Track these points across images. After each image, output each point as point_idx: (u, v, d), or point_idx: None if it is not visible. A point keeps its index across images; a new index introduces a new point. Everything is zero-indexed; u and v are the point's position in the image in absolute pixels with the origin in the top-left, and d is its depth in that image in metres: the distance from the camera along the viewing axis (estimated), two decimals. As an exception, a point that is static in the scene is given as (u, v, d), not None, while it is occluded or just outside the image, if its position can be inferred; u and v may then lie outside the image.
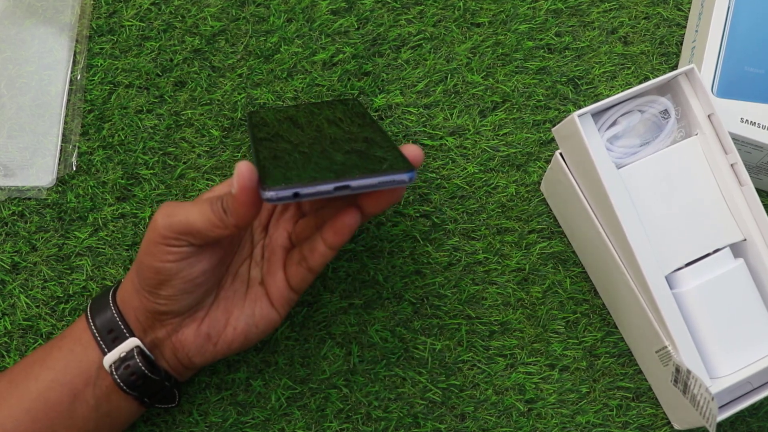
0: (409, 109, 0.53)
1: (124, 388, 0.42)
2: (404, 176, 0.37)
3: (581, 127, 0.42)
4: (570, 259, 0.51)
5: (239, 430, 0.48)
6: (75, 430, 0.42)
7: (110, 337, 0.42)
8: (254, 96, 0.52)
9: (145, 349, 0.42)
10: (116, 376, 0.42)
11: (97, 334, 0.42)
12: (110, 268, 0.50)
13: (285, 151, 0.40)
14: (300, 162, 0.38)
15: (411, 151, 0.40)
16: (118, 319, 0.42)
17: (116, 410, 0.43)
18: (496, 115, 0.53)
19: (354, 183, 0.36)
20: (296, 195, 0.36)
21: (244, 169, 0.37)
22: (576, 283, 0.51)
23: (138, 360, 0.42)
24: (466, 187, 0.52)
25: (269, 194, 0.36)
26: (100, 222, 0.50)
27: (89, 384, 0.42)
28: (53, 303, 0.49)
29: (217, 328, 0.43)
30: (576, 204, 0.46)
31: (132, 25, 0.53)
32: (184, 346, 0.43)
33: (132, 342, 0.42)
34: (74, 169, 0.51)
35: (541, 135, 0.53)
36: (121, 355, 0.42)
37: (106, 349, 0.42)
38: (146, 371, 0.42)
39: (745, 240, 0.44)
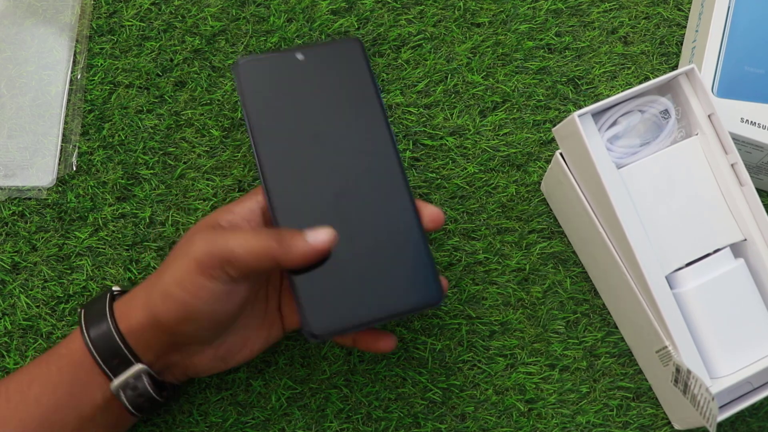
0: (409, 109, 0.53)
1: (132, 410, 0.41)
2: (434, 303, 0.41)
3: (581, 127, 0.42)
4: (570, 259, 0.51)
5: (239, 430, 0.48)
6: None
7: (115, 363, 0.41)
8: (254, 96, 0.52)
9: (153, 373, 0.41)
10: (124, 400, 0.41)
11: (100, 361, 0.41)
12: (110, 268, 0.50)
13: (327, 277, 0.41)
14: (341, 294, 0.40)
15: (431, 213, 0.42)
16: (122, 345, 0.40)
17: (121, 425, 0.43)
18: (496, 115, 0.53)
19: (390, 317, 0.40)
20: (341, 332, 0.40)
21: (327, 236, 0.39)
22: (576, 283, 0.51)
23: (146, 382, 0.41)
24: (466, 187, 0.52)
25: (317, 333, 0.39)
26: (100, 222, 0.50)
27: (97, 408, 0.41)
28: (53, 303, 0.49)
29: (232, 352, 0.43)
30: (576, 204, 0.46)
31: (132, 25, 0.53)
32: (196, 367, 0.43)
33: (138, 368, 0.41)
34: (74, 169, 0.51)
35: (541, 135, 0.53)
36: (128, 381, 0.41)
37: (112, 376, 0.41)
38: (154, 395, 0.41)
39: (746, 240, 0.44)
